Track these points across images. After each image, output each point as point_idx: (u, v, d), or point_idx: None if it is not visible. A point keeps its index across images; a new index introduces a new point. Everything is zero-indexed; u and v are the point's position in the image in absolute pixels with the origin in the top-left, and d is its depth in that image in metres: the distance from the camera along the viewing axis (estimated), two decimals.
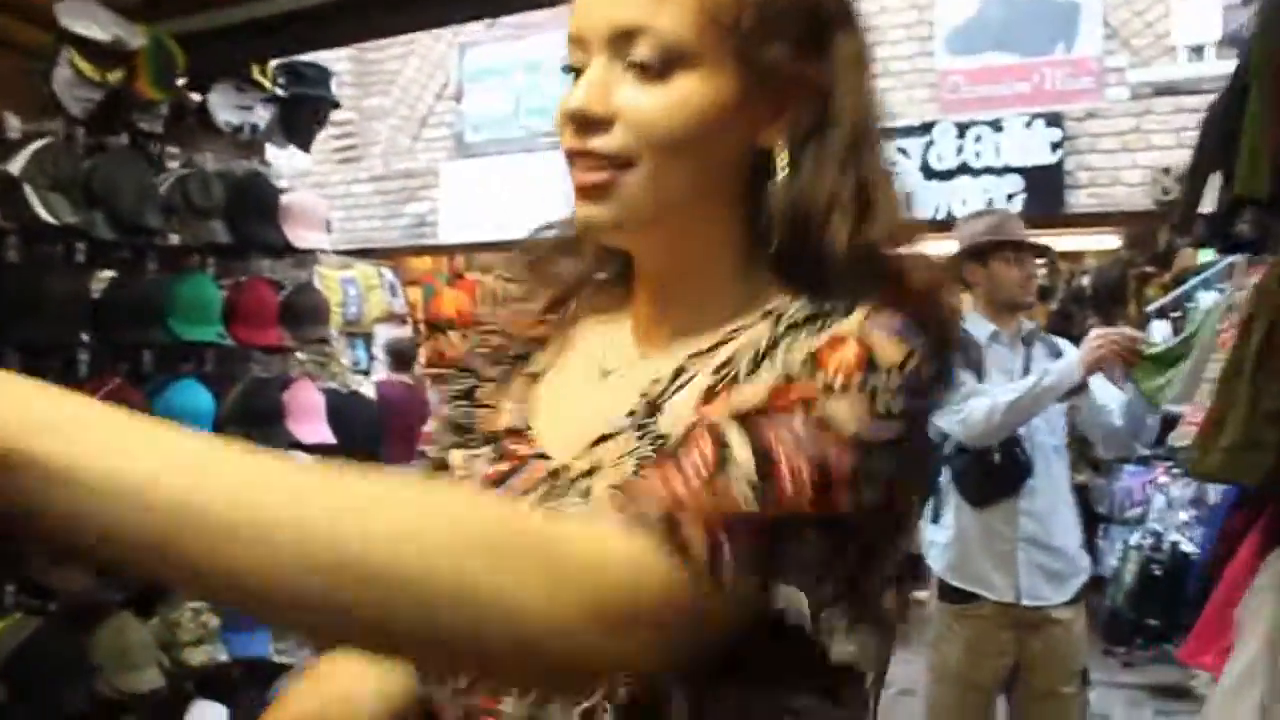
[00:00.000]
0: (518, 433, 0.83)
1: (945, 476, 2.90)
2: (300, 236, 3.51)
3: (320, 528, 0.52)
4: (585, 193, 0.75)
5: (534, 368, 0.87)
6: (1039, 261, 3.05)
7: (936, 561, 2.92)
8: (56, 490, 0.48)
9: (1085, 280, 7.35)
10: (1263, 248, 2.18)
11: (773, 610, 0.64)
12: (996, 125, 6.34)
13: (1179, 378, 2.54)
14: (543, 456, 0.79)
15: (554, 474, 0.77)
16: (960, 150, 6.39)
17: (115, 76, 3.07)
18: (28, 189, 2.82)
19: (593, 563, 0.59)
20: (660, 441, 0.72)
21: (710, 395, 0.72)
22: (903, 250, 0.76)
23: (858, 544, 0.67)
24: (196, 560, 0.51)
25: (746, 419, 0.66)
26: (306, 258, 3.78)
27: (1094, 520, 5.53)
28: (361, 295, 7.12)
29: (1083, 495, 6.08)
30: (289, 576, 0.52)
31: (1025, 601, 2.80)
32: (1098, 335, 2.76)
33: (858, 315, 0.70)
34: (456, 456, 0.85)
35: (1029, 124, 6.25)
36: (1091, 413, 2.86)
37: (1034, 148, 6.23)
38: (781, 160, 0.75)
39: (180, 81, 3.35)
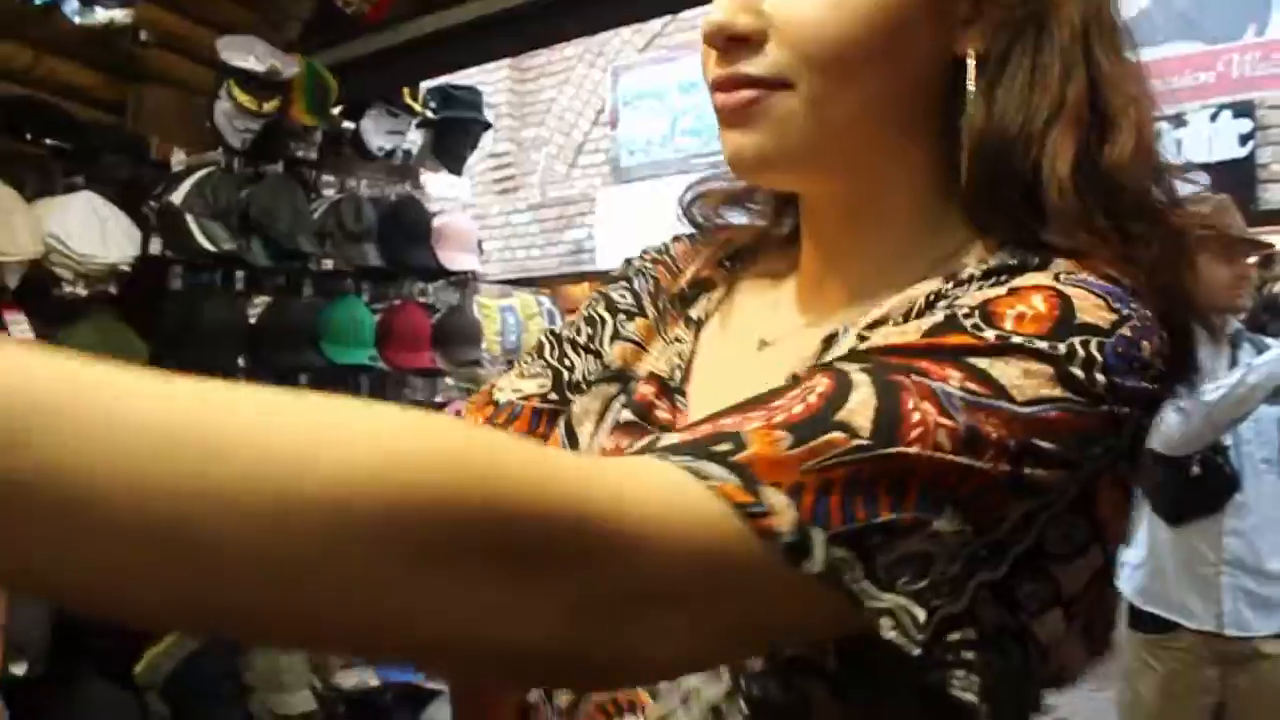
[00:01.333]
0: (663, 386, 0.68)
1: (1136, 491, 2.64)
2: (452, 258, 3.53)
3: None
4: (730, 117, 0.60)
5: (696, 313, 0.72)
6: (1251, 260, 2.75)
7: (1126, 585, 2.68)
8: None
9: (1278, 287, 6.79)
10: None
11: (866, 617, 0.46)
12: (1179, 120, 5.94)
13: None
14: None
15: None
16: None
17: (271, 106, 3.16)
18: (188, 218, 2.90)
19: (621, 540, 0.41)
20: None
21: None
22: (1152, 179, 0.58)
23: (1013, 547, 0.49)
24: None
25: (884, 363, 0.49)
26: (461, 281, 3.80)
27: None
28: (520, 324, 7.19)
29: None
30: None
31: (1229, 631, 2.54)
32: None
33: (1050, 272, 0.54)
34: (580, 405, 0.71)
35: (1215, 116, 5.83)
36: None
37: (1221, 141, 5.80)
38: (974, 68, 0.59)
39: (334, 110, 3.43)
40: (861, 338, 0.56)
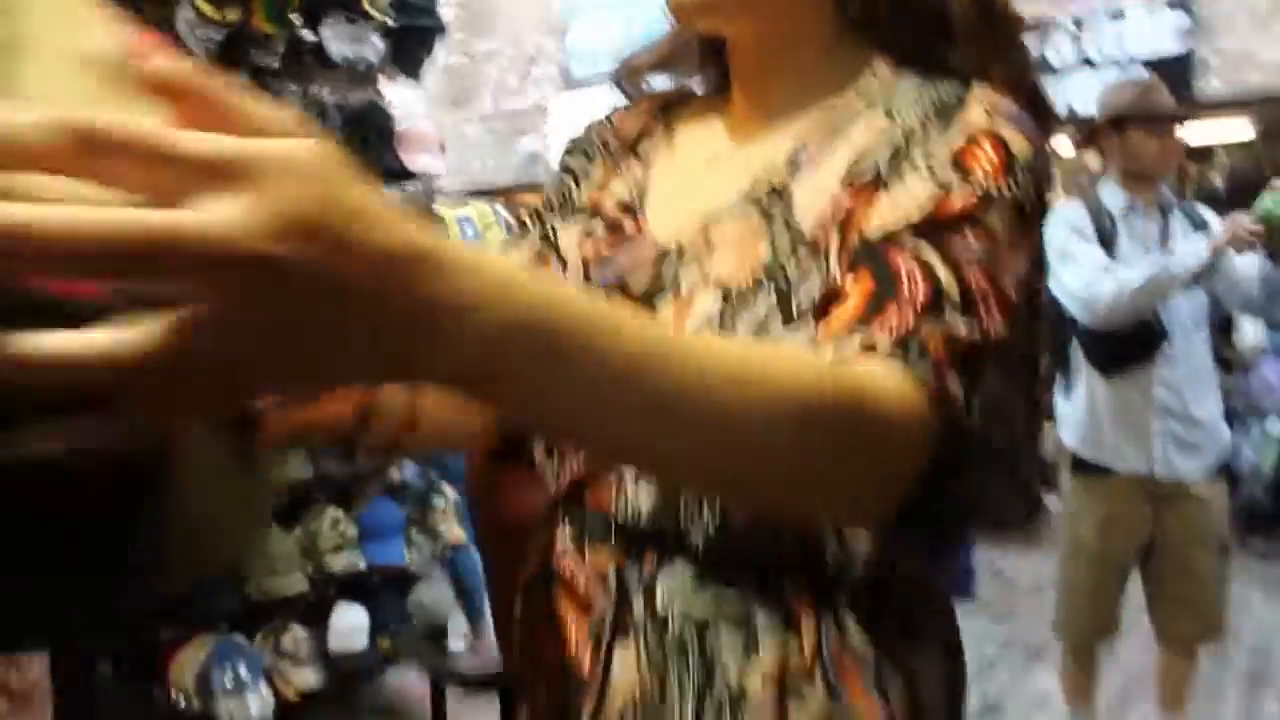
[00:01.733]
0: (627, 208, 0.84)
1: (1075, 346, 2.85)
2: (414, 161, 3.62)
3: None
4: None
5: (643, 151, 0.88)
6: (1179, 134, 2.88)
7: (1068, 435, 2.89)
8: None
9: (1217, 180, 6.99)
10: None
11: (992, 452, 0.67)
12: (1117, 14, 6.07)
13: None
14: (645, 236, 0.81)
15: (665, 254, 0.78)
16: (1078, 43, 6.15)
17: (233, 15, 3.21)
18: None
19: (887, 431, 0.58)
20: (797, 229, 0.72)
21: (850, 188, 0.71)
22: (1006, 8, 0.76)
23: (1028, 371, 0.69)
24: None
25: (935, 240, 0.65)
26: (423, 184, 3.89)
27: (1229, 418, 5.38)
28: (479, 233, 7.26)
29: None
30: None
31: (1159, 472, 2.75)
32: (1233, 222, 2.68)
33: (979, 107, 0.70)
34: (564, 238, 0.86)
35: (1152, 9, 5.97)
36: (1227, 286, 2.77)
37: (1159, 36, 5.95)
38: None
39: (295, 18, 3.47)
40: (846, 179, 0.72)
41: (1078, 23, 6.16)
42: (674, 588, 0.73)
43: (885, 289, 0.64)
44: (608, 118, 0.94)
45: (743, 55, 0.82)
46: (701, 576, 0.73)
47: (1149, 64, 5.96)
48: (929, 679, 0.76)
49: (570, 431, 0.50)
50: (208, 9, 3.17)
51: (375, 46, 3.72)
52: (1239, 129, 6.60)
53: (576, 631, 0.78)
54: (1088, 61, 6.13)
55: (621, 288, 0.78)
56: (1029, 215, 0.67)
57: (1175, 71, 5.89)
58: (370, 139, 3.51)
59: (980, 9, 0.74)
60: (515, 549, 0.88)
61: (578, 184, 0.90)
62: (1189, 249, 2.68)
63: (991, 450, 0.67)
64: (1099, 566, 2.84)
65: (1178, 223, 2.83)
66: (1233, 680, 3.75)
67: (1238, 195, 6.34)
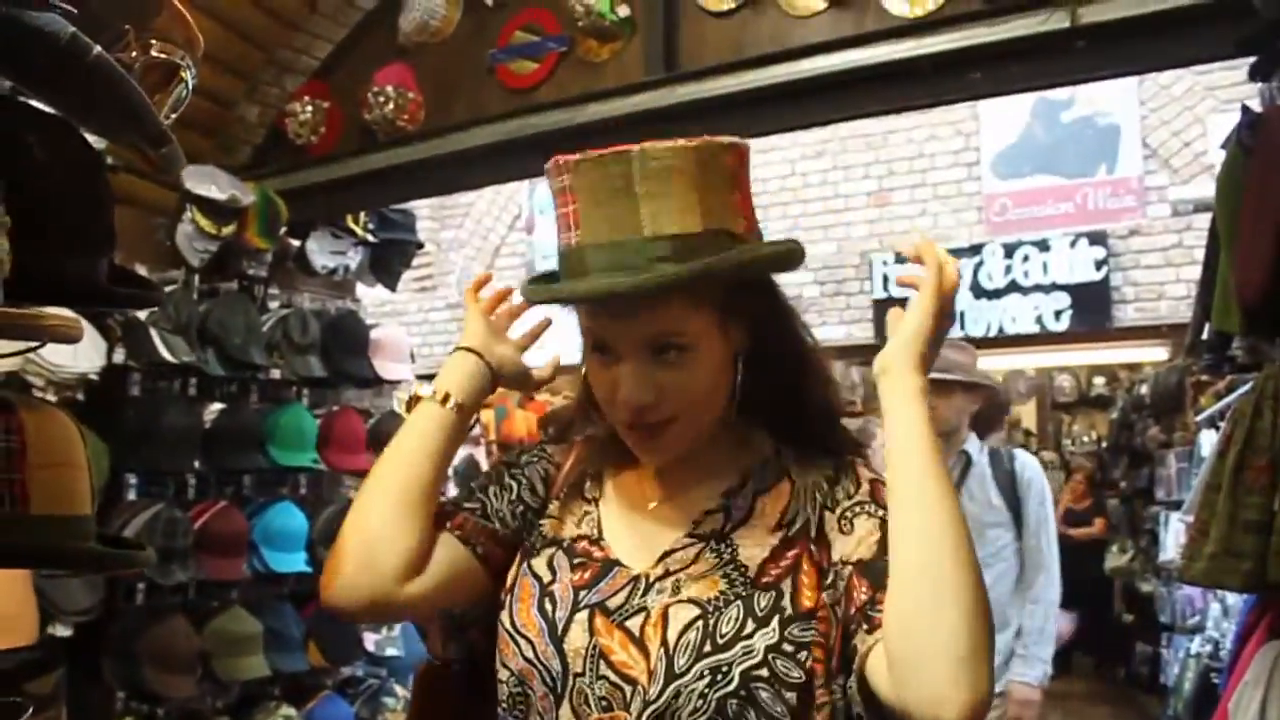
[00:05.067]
0: (591, 540, 1.09)
1: None
2: (387, 368, 3.85)
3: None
4: (643, 440, 1.05)
5: (590, 494, 1.14)
6: (972, 394, 3.04)
7: None
8: None
9: (1144, 389, 7.42)
10: (1258, 370, 2.28)
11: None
12: (1043, 245, 6.58)
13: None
14: (618, 563, 1.06)
15: (635, 579, 1.03)
16: (1009, 270, 6.63)
17: (229, 230, 3.48)
18: (153, 332, 3.19)
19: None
20: (743, 567, 1.01)
21: (787, 538, 1.03)
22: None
23: None
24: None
25: (878, 561, 0.97)
26: (387, 387, 4.11)
27: (1158, 630, 5.56)
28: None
29: (1148, 605, 6.11)
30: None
31: None
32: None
33: (861, 466, 1.06)
34: (539, 564, 1.10)
35: (1074, 243, 6.48)
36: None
37: (1080, 265, 6.44)
38: (743, 364, 1.06)
39: (282, 230, 3.75)
40: (787, 533, 1.04)
41: (1008, 251, 6.66)
42: None
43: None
44: (551, 459, 1.20)
45: None
46: None
47: (1071, 290, 6.45)
48: None
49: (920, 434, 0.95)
50: (206, 224, 3.43)
51: (354, 258, 4.01)
52: (1155, 351, 7.07)
53: None
54: (1016, 285, 6.60)
55: (602, 605, 1.02)
56: None
57: (1094, 298, 6.37)
58: (345, 347, 3.74)
59: (826, 412, 1.09)
60: None
61: (529, 503, 1.16)
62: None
63: None
64: None
65: (979, 474, 3.04)
66: None
67: (1162, 403, 6.75)
